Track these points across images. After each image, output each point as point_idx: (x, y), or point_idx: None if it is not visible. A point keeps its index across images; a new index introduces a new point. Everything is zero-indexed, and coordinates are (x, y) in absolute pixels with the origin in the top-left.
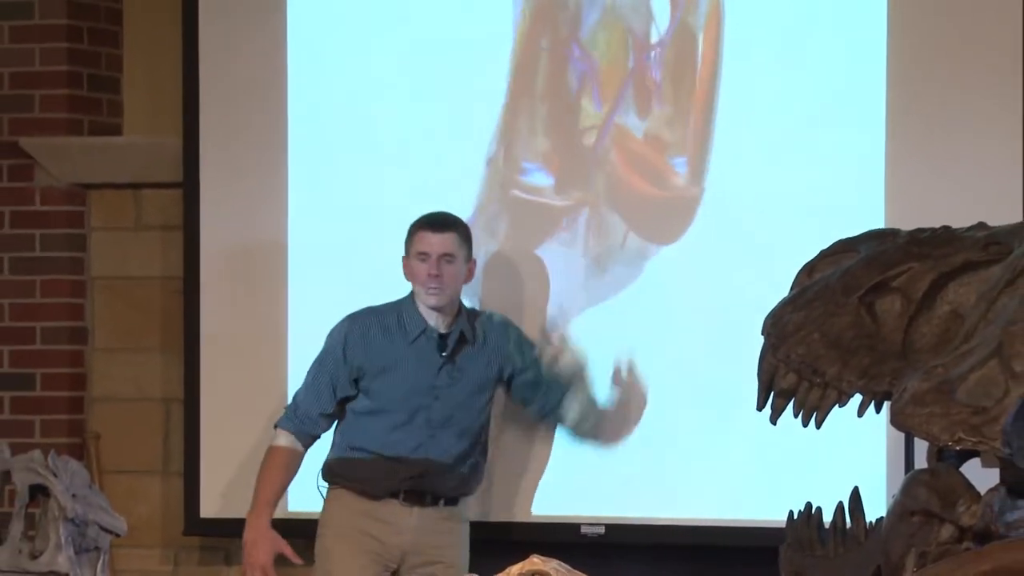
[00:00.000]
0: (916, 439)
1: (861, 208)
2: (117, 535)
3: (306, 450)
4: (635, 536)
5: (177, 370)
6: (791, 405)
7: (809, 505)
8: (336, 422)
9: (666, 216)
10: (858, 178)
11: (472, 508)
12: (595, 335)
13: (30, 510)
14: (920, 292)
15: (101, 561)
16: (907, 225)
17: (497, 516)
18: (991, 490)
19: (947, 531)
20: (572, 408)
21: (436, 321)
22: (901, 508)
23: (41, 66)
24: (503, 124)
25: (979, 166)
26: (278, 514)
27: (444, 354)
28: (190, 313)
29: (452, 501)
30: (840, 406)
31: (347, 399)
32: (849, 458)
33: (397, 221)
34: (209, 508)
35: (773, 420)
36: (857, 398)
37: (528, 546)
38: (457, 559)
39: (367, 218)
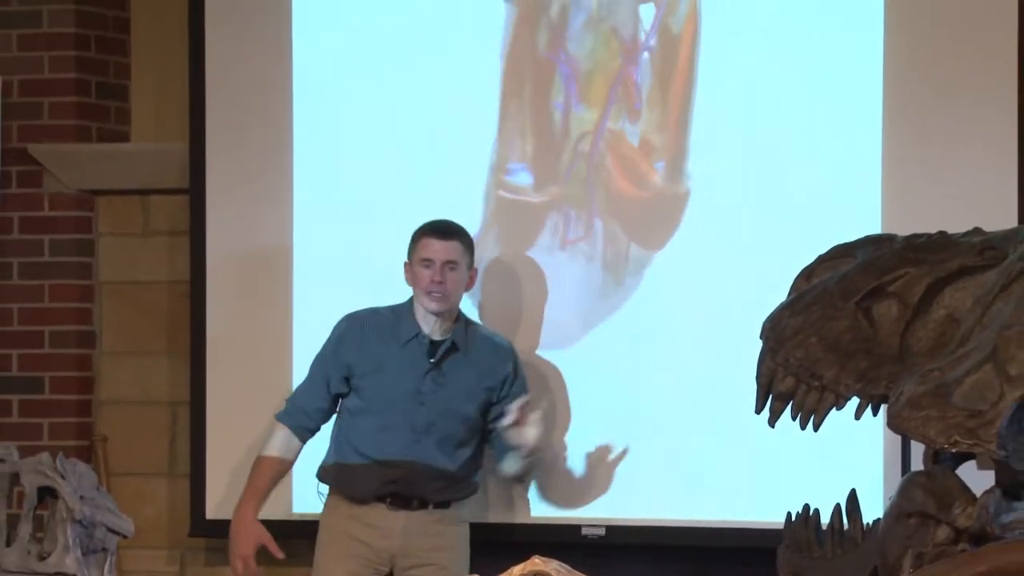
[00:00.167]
0: (913, 442)
1: (858, 212)
2: (124, 536)
3: (303, 443)
4: (635, 537)
5: (183, 373)
6: (789, 408)
7: (807, 507)
8: (336, 419)
9: (660, 220)
10: (855, 182)
11: (473, 509)
12: (594, 338)
13: (38, 512)
14: (916, 297)
15: (108, 562)
16: (903, 230)
17: (498, 517)
18: (987, 492)
19: (943, 532)
20: (510, 458)
21: (431, 328)
22: (898, 510)
23: (50, 74)
24: (500, 129)
25: (975, 171)
26: (282, 515)
27: (431, 360)
28: (196, 317)
29: (442, 505)
30: (838, 409)
31: (341, 396)
32: (846, 460)
33: (401, 226)
34: (215, 510)
35: (772, 423)
36: (854, 401)
37: (529, 547)
38: (451, 561)
39: (371, 223)
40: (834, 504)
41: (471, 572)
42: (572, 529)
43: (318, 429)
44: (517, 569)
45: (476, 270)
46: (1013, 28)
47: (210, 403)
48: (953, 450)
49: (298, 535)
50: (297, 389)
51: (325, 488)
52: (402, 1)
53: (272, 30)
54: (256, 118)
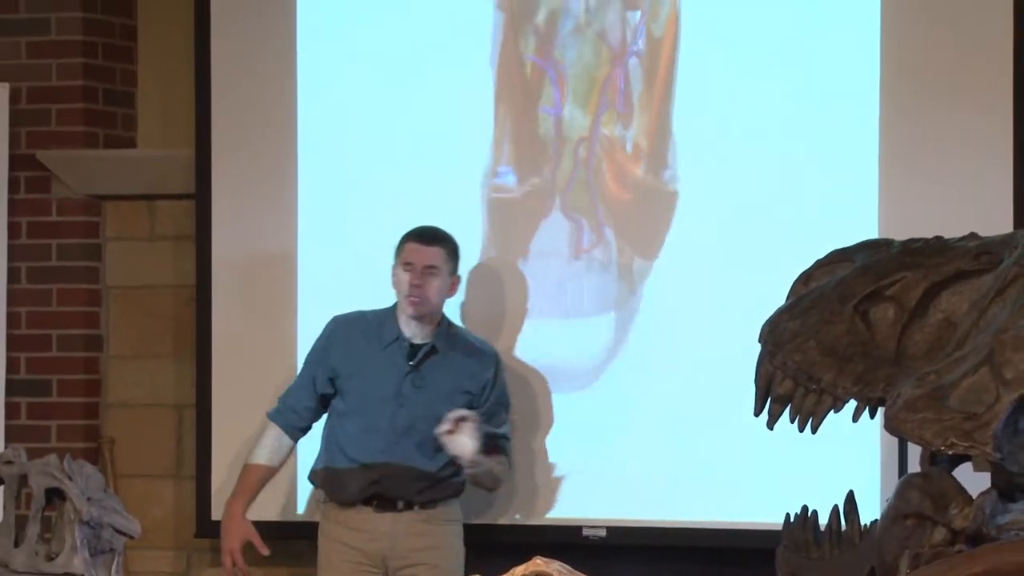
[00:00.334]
0: (909, 444)
1: (855, 216)
2: (131, 537)
3: (294, 441)
4: (636, 538)
5: (190, 376)
6: (788, 411)
7: (805, 508)
8: (326, 421)
9: (655, 223)
10: (852, 186)
11: (475, 511)
12: (593, 341)
13: (46, 513)
14: (913, 300)
15: (116, 563)
16: (900, 233)
17: (500, 518)
18: (983, 494)
19: (940, 534)
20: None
21: (413, 331)
22: (895, 511)
23: (58, 81)
24: (495, 135)
25: (971, 174)
26: (288, 518)
27: (411, 363)
28: (202, 321)
29: (429, 505)
30: (835, 411)
31: (328, 396)
32: (844, 462)
33: (403, 231)
34: (220, 511)
35: (770, 425)
36: (852, 404)
37: (531, 548)
38: (441, 559)
39: (374, 228)
40: (832, 505)
41: (473, 573)
42: (573, 530)
43: (309, 427)
44: (519, 570)
45: (459, 278)
46: (1008, 32)
47: (216, 406)
48: (949, 452)
49: (303, 536)
50: (288, 388)
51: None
52: (402, 9)
53: (277, 38)
54: (261, 124)
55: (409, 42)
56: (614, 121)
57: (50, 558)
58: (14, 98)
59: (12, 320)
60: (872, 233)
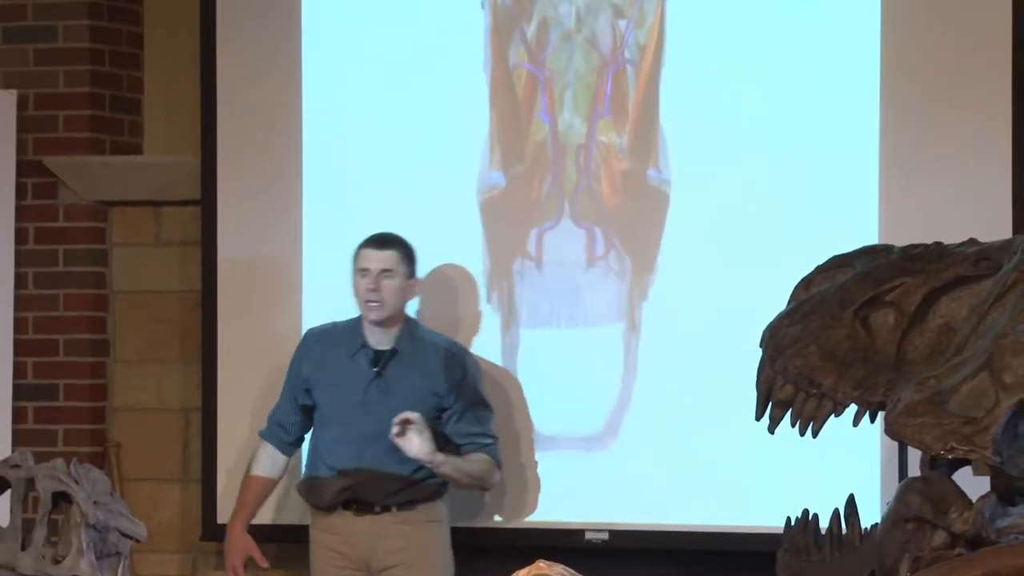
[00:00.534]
0: (910, 448)
1: (855, 220)
2: (137, 540)
3: (288, 456)
4: (638, 542)
5: (195, 381)
6: (789, 415)
7: (806, 512)
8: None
9: (654, 230)
10: (852, 190)
11: (477, 514)
12: (596, 345)
13: (53, 517)
14: (913, 306)
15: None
16: (900, 237)
17: (502, 522)
18: (982, 497)
19: (940, 537)
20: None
21: (377, 338)
22: (895, 515)
23: (65, 88)
24: (493, 141)
25: (970, 179)
26: (284, 521)
27: (375, 369)
28: (208, 326)
29: (406, 507)
30: (836, 416)
31: (310, 408)
32: (844, 466)
33: (408, 235)
34: (226, 515)
35: (771, 429)
36: (852, 408)
37: (533, 551)
38: (418, 559)
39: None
40: (833, 509)
41: None
42: (576, 533)
43: (298, 440)
44: (522, 573)
45: (418, 280)
46: (1007, 34)
47: (221, 410)
48: (949, 456)
49: (296, 540)
50: (275, 405)
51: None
52: (405, 16)
53: (282, 45)
54: (266, 131)
55: (412, 49)
56: (610, 128)
57: (57, 561)
58: (21, 104)
59: (19, 325)
60: (872, 236)
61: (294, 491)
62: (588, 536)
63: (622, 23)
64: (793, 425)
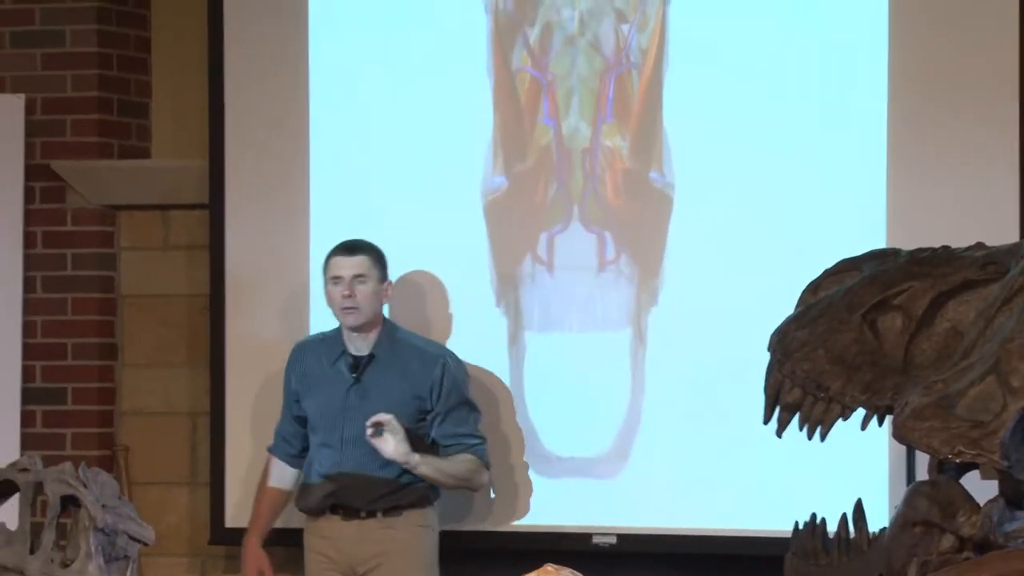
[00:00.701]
0: (917, 452)
1: (863, 224)
2: (145, 544)
3: (297, 467)
4: (645, 545)
5: (203, 384)
6: (796, 419)
7: (813, 516)
8: None
9: (658, 232)
10: (860, 194)
11: (484, 518)
12: (603, 348)
13: (61, 520)
14: (920, 310)
15: (130, 570)
16: (908, 240)
17: (510, 525)
18: (990, 501)
19: (948, 541)
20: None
21: (356, 344)
22: (903, 519)
23: (72, 92)
24: (497, 144)
25: (978, 182)
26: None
27: (353, 375)
28: (216, 329)
29: (392, 512)
30: (844, 420)
31: (303, 418)
32: (852, 470)
33: (415, 239)
34: (234, 518)
35: (779, 433)
36: (860, 412)
37: (541, 555)
38: (399, 564)
39: (386, 236)
40: (841, 513)
41: None
42: (583, 537)
43: (305, 450)
44: None
45: (391, 283)
46: (1015, 39)
47: (229, 413)
48: (957, 460)
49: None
50: (279, 419)
51: None
52: (412, 21)
53: (289, 49)
54: (274, 135)
55: (417, 53)
56: (614, 132)
57: (65, 565)
58: (29, 109)
59: (28, 329)
60: (880, 240)
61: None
62: (596, 540)
63: (625, 27)
64: (801, 429)
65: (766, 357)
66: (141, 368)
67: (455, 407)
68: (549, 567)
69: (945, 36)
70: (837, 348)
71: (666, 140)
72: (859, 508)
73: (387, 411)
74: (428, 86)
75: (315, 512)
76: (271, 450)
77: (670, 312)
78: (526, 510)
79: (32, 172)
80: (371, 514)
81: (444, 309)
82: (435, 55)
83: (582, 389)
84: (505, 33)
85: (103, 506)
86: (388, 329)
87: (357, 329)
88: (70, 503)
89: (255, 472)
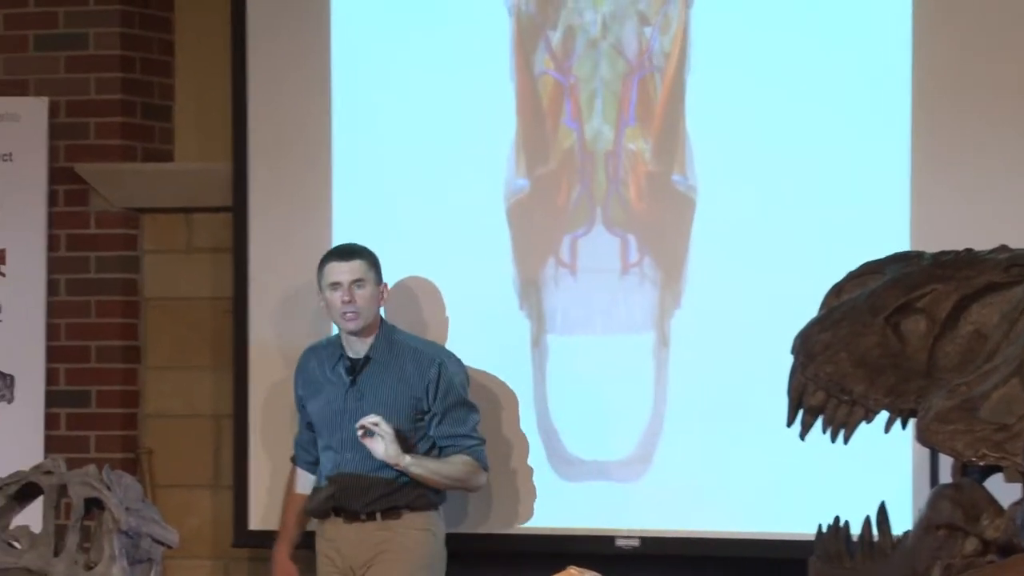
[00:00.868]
0: (941, 455)
1: (887, 227)
2: (169, 547)
3: (316, 474)
4: (669, 548)
5: (227, 387)
6: (820, 421)
7: (837, 519)
8: None
9: (683, 236)
10: (884, 198)
11: (509, 519)
12: (625, 350)
13: (85, 523)
14: (944, 313)
15: (153, 572)
16: (933, 244)
17: (533, 528)
18: (1014, 504)
19: (971, 544)
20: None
21: (355, 348)
22: (927, 522)
23: (96, 95)
24: (520, 147)
25: (1003, 185)
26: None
27: (350, 378)
28: (239, 332)
29: (392, 514)
30: (867, 423)
31: (312, 424)
32: (876, 473)
33: (438, 241)
34: (257, 520)
35: (802, 436)
36: (883, 415)
37: (564, 558)
38: (394, 566)
39: (409, 238)
40: (864, 516)
41: None
42: (606, 540)
43: (319, 458)
44: None
45: (386, 285)
46: None
47: (253, 416)
48: (981, 463)
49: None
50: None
51: None
52: (432, 23)
53: (312, 52)
54: (297, 138)
55: (439, 56)
56: (637, 135)
57: (89, 567)
58: (53, 112)
59: (52, 332)
60: (904, 243)
61: None
62: (619, 542)
63: (647, 30)
64: (824, 432)
65: (789, 360)
66: (164, 371)
67: (452, 408)
68: (573, 570)
69: (968, 39)
70: (860, 351)
71: (689, 143)
72: (882, 511)
73: (383, 413)
74: (451, 89)
75: (320, 515)
76: (295, 461)
77: (693, 315)
78: (549, 513)
79: (56, 175)
80: (370, 516)
81: (467, 312)
82: (458, 58)
83: (605, 392)
84: (528, 36)
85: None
86: (386, 331)
87: (357, 333)
88: (94, 506)
89: (278, 474)
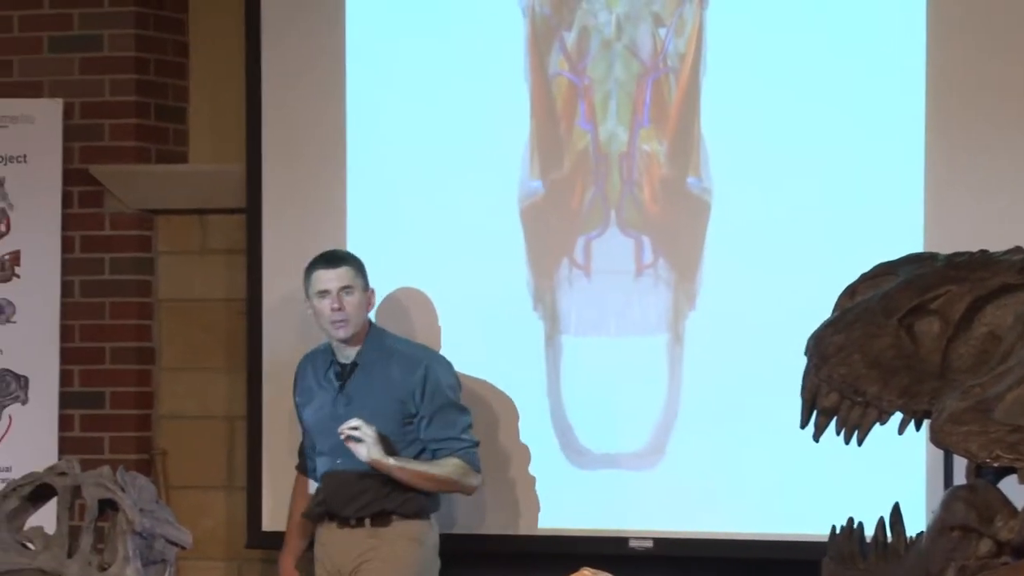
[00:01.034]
0: (955, 456)
1: (901, 229)
2: (183, 548)
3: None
4: (682, 549)
5: (241, 388)
6: (834, 423)
7: (851, 520)
8: None
9: (697, 239)
10: (898, 200)
11: (524, 520)
12: (639, 352)
13: (99, 524)
14: (958, 314)
15: (167, 573)
16: (947, 246)
17: (547, 529)
18: None
19: (985, 545)
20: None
21: (345, 353)
22: (941, 523)
23: (110, 96)
24: (529, 147)
25: (1015, 188)
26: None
27: (339, 383)
28: (253, 334)
29: (381, 521)
30: (881, 424)
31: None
32: (890, 474)
33: (452, 242)
34: (271, 522)
35: (816, 438)
36: (897, 416)
37: (577, 559)
38: (377, 572)
39: (424, 241)
40: (878, 517)
41: None
42: (620, 541)
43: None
44: None
45: (373, 291)
46: None
47: (266, 417)
48: (995, 464)
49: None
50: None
51: None
52: (446, 24)
53: (326, 54)
54: (311, 139)
55: (453, 57)
56: (651, 136)
57: (103, 568)
58: (68, 113)
59: (66, 333)
60: (918, 244)
61: None
62: (632, 544)
63: (662, 31)
64: (838, 433)
65: (803, 361)
66: (178, 372)
67: (440, 410)
68: (586, 571)
69: (983, 41)
70: (874, 352)
71: (703, 144)
72: (896, 512)
73: (371, 417)
74: (465, 90)
75: (314, 519)
76: (298, 468)
77: (707, 316)
78: (563, 514)
79: (70, 176)
80: (360, 522)
81: (480, 313)
82: (472, 59)
83: (618, 392)
84: (542, 37)
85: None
86: (375, 335)
87: (346, 341)
88: (108, 507)
89: (292, 476)
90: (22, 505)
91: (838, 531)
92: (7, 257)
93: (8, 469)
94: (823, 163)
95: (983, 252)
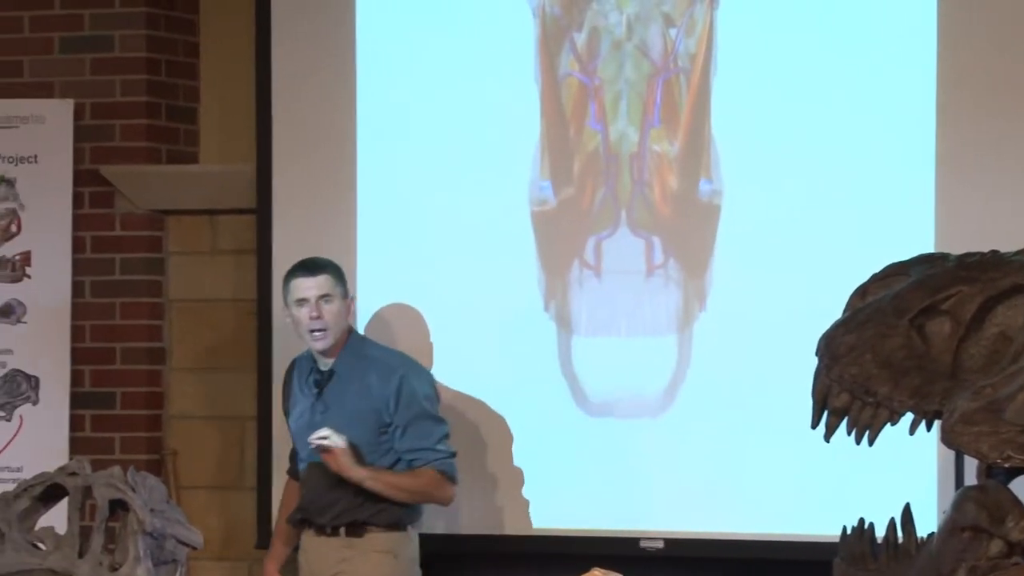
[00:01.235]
0: (966, 457)
1: (912, 229)
2: (193, 548)
3: None
4: (693, 550)
5: (251, 388)
6: (845, 423)
7: (862, 520)
8: None
9: (708, 239)
10: (909, 199)
11: (534, 520)
12: (649, 353)
13: (110, 524)
14: (969, 314)
15: (178, 573)
16: (958, 246)
17: (557, 529)
18: None
19: (996, 546)
20: None
21: (323, 360)
22: (952, 524)
23: (121, 97)
24: (540, 148)
25: None
26: None
27: (316, 391)
28: (263, 334)
29: (355, 531)
30: (892, 424)
31: None
32: (901, 475)
33: (463, 243)
34: None
35: (827, 438)
36: (908, 417)
37: (588, 559)
38: None
39: (434, 241)
40: (889, 518)
41: None
42: (631, 542)
43: None
44: None
45: (353, 299)
46: None
47: (276, 418)
48: (1006, 465)
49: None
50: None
51: None
52: (457, 25)
53: (336, 54)
54: (321, 139)
55: (464, 58)
56: (662, 137)
57: (114, 568)
58: (78, 114)
59: (77, 333)
60: (929, 245)
61: None
62: (643, 544)
63: (672, 31)
64: (849, 433)
65: (814, 362)
66: (189, 372)
67: (415, 420)
68: (597, 571)
69: (994, 40)
70: (885, 353)
71: (714, 144)
72: (907, 513)
73: (346, 425)
74: (475, 91)
75: (295, 526)
76: (289, 473)
77: (718, 317)
78: (573, 514)
79: (81, 177)
80: (335, 530)
81: (492, 314)
82: (482, 60)
83: (631, 393)
84: (552, 38)
85: (151, 510)
86: (354, 343)
87: (325, 351)
88: (119, 507)
89: None
90: (33, 505)
91: (849, 532)
92: (18, 257)
93: (19, 469)
94: (833, 163)
95: (994, 252)
